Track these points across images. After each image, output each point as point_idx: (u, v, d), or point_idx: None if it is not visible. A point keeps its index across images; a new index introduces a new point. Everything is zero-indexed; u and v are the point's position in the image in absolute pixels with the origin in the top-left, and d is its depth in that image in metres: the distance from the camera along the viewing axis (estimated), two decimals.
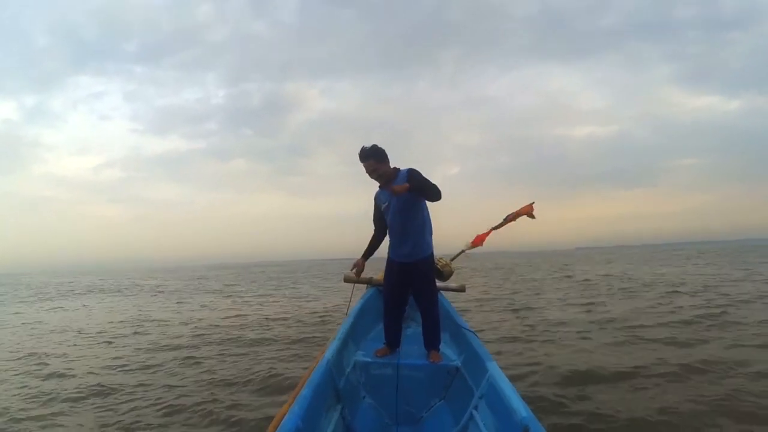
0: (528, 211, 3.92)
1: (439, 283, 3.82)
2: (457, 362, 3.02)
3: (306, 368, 3.48)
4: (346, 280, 4.46)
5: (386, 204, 3.01)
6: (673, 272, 18.65)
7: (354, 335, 3.41)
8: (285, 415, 2.04)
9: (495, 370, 2.49)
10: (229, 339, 7.36)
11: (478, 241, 3.98)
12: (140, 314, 11.70)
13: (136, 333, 8.50)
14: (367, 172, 2.90)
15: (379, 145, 2.89)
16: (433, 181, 2.84)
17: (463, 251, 3.98)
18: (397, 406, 2.83)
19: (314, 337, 7.07)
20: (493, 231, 3.99)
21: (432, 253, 3.06)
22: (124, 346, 7.20)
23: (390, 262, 3.10)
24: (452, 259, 3.73)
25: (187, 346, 6.89)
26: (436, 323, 3.06)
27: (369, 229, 3.23)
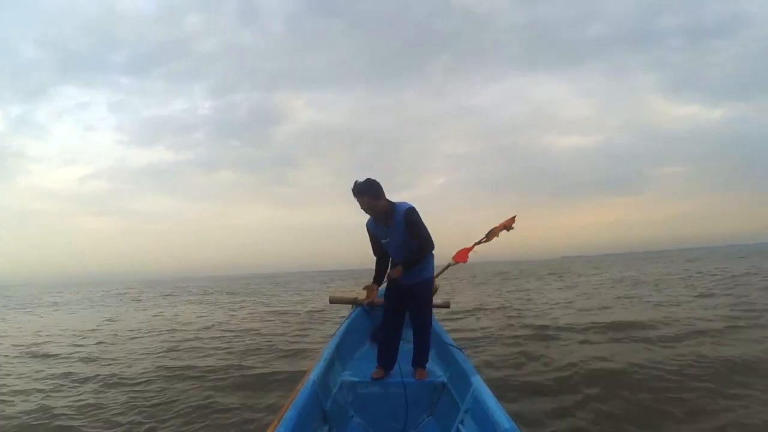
0: (509, 225, 4.03)
1: None
2: (443, 378, 3.09)
3: (290, 390, 3.39)
4: (332, 300, 4.46)
5: (386, 240, 3.04)
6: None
7: (340, 355, 3.42)
8: None
9: (479, 384, 2.55)
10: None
11: (462, 256, 4.02)
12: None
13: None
14: (362, 207, 2.89)
15: (373, 178, 2.88)
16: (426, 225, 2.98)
17: (448, 266, 4.05)
18: (386, 423, 2.85)
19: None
20: (476, 246, 4.05)
21: (433, 276, 3.16)
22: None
23: (389, 286, 3.16)
24: (437, 275, 3.78)
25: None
26: (426, 343, 3.13)
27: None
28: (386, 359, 3.10)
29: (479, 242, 4.08)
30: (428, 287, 3.14)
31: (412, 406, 2.91)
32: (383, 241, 3.06)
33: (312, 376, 2.76)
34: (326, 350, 3.28)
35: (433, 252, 3.12)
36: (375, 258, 3.25)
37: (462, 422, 2.60)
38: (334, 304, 4.58)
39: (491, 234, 4.03)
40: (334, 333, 3.77)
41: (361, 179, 2.86)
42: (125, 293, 30.66)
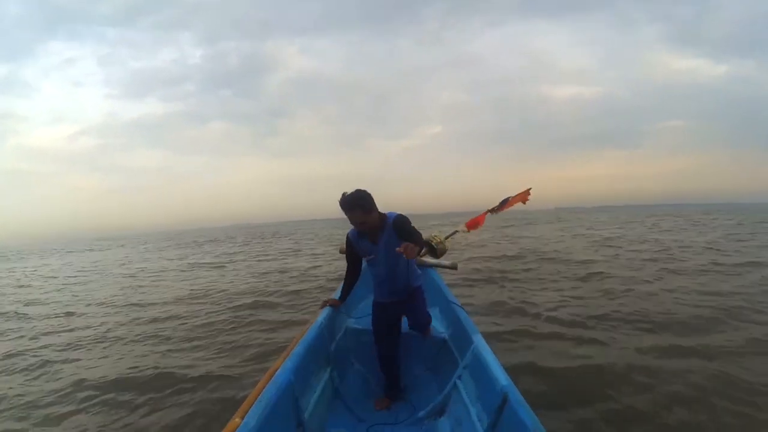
0: (524, 198, 4.03)
1: (431, 260, 3.90)
2: (445, 335, 3.20)
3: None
4: (342, 251, 4.58)
5: (372, 256, 2.72)
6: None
7: (346, 302, 3.49)
8: (278, 368, 2.18)
9: (480, 342, 2.63)
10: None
11: (474, 224, 4.03)
12: None
13: None
14: (352, 222, 2.54)
15: (363, 189, 2.51)
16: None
17: (457, 231, 4.06)
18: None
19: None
20: (489, 213, 4.05)
21: (419, 285, 2.86)
22: None
23: (377, 303, 2.88)
24: (446, 238, 3.81)
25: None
26: (428, 323, 2.99)
27: (350, 188, 2.70)
28: (390, 385, 2.92)
29: (492, 210, 4.07)
30: (420, 295, 2.85)
31: (413, 359, 3.10)
32: (366, 258, 2.74)
33: (320, 318, 2.92)
34: (334, 296, 3.34)
35: (415, 267, 2.84)
36: (347, 266, 2.94)
37: (460, 377, 2.71)
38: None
39: (505, 203, 4.03)
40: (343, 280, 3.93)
41: (351, 191, 2.49)
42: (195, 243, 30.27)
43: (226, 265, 14.49)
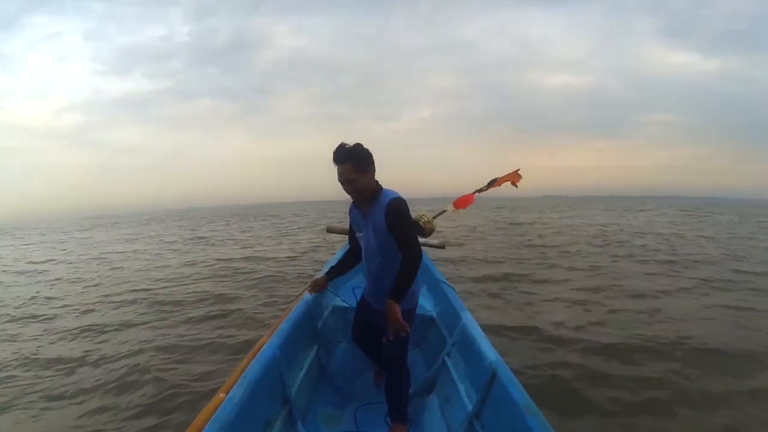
0: (514, 180, 3.96)
1: (420, 239, 3.90)
2: (432, 313, 3.22)
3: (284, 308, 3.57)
4: (329, 230, 4.54)
5: (360, 234, 2.30)
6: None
7: (334, 281, 3.47)
8: (264, 344, 2.15)
9: (468, 319, 2.63)
10: None
11: (462, 203, 3.98)
12: None
13: None
14: (339, 179, 2.11)
15: (364, 146, 2.12)
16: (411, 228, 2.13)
17: (445, 211, 4.02)
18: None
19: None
20: (477, 193, 4.02)
21: (413, 308, 2.30)
22: None
23: (362, 298, 2.54)
24: (434, 217, 3.80)
25: None
26: (399, 394, 2.29)
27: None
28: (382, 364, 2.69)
29: (480, 190, 4.04)
30: (405, 319, 2.16)
31: None
32: (357, 234, 2.34)
33: (306, 296, 2.86)
34: (320, 275, 3.25)
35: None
36: (348, 246, 2.64)
37: (448, 354, 2.71)
38: (331, 233, 4.71)
39: (492, 183, 3.99)
40: (328, 261, 3.89)
41: (350, 144, 2.09)
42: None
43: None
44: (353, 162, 2.05)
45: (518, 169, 4.00)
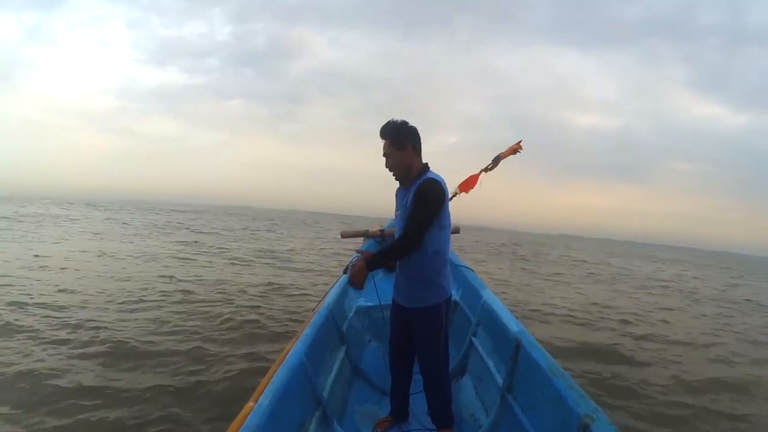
0: (516, 149, 3.85)
1: None
2: (456, 297, 3.28)
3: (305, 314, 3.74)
4: (344, 235, 4.64)
5: (398, 212, 2.20)
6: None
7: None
8: (289, 351, 2.10)
9: (489, 296, 2.74)
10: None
11: (468, 184, 3.76)
12: None
13: None
14: (383, 154, 2.11)
15: (410, 123, 2.10)
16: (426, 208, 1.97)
17: (455, 194, 3.76)
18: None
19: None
20: (484, 173, 3.81)
21: (443, 302, 2.11)
22: None
23: (393, 301, 2.28)
24: None
25: None
26: (443, 396, 2.15)
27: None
28: (396, 405, 2.35)
29: (486, 169, 3.81)
30: (433, 318, 2.09)
31: None
32: (397, 212, 2.23)
33: (327, 300, 2.85)
34: (340, 279, 3.31)
35: (446, 264, 2.13)
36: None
37: (474, 334, 2.77)
38: (345, 238, 4.58)
39: (498, 159, 3.82)
40: (348, 263, 3.96)
41: (398, 119, 2.10)
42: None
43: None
44: (392, 138, 2.06)
45: (520, 141, 3.89)
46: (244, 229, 26.00)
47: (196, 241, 15.83)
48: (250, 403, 1.67)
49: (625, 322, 7.49)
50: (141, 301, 6.30)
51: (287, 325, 5.48)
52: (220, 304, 6.41)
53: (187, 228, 22.84)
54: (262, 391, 1.72)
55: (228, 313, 5.84)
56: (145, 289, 7.11)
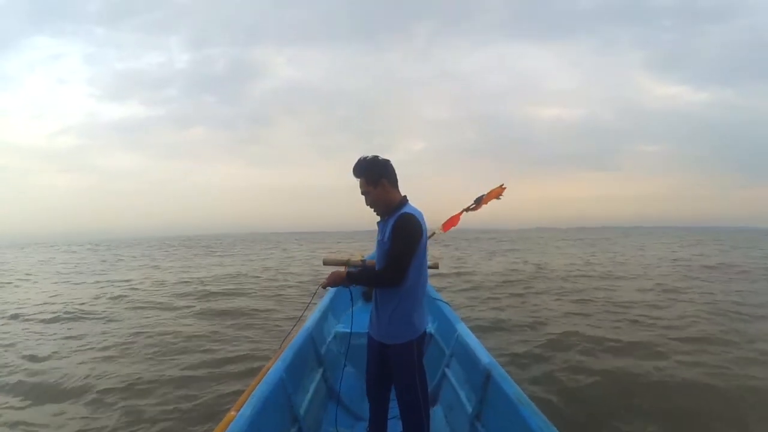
0: (499, 194, 3.96)
1: None
2: (431, 329, 3.43)
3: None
4: (326, 262, 4.48)
5: (378, 241, 2.18)
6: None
7: (333, 309, 3.73)
8: (270, 368, 2.26)
9: (463, 330, 2.87)
10: None
11: (450, 224, 3.97)
12: None
13: None
14: (361, 193, 2.12)
15: (381, 157, 2.09)
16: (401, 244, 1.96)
17: (434, 233, 3.95)
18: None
19: None
20: (465, 212, 3.98)
21: (415, 339, 2.08)
22: None
23: (369, 338, 2.29)
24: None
25: None
26: (414, 418, 2.12)
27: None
28: (376, 426, 2.35)
29: (468, 209, 3.97)
30: (406, 354, 2.07)
31: None
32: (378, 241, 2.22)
33: (307, 324, 3.04)
34: (320, 304, 3.56)
35: (421, 302, 2.12)
36: None
37: (447, 365, 2.94)
38: (327, 266, 4.69)
39: (480, 202, 3.97)
40: (328, 290, 3.99)
41: (369, 156, 2.08)
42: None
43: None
44: (365, 176, 2.07)
45: (503, 184, 4.01)
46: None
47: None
48: (232, 413, 1.81)
49: None
50: None
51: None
52: None
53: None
54: (244, 402, 1.90)
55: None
56: None
